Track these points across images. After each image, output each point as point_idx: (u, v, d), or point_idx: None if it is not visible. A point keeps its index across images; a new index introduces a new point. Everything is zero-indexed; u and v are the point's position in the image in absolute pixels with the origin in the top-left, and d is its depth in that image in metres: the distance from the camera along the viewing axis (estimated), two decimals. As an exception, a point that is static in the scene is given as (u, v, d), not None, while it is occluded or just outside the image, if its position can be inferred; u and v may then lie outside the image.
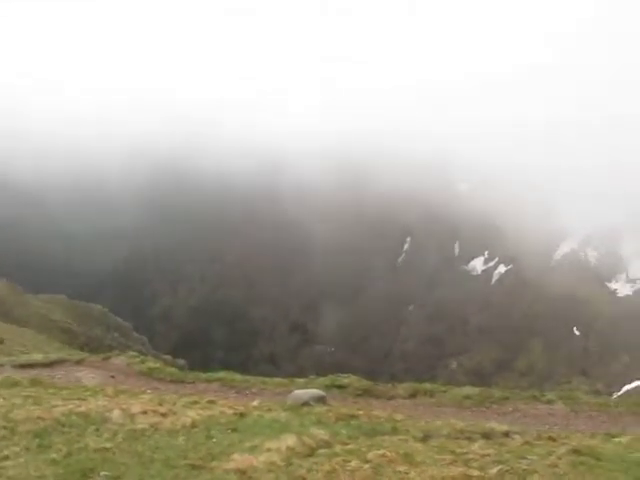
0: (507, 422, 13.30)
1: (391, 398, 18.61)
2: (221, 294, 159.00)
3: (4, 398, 11.39)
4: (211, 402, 13.21)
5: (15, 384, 13.49)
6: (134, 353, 22.36)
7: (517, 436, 10.99)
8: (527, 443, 10.33)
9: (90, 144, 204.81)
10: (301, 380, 20.20)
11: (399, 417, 13.51)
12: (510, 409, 15.82)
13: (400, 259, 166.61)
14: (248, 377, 20.21)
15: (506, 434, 11.19)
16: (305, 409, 13.47)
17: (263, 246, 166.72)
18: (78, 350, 55.06)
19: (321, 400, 16.02)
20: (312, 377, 20.66)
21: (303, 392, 16.91)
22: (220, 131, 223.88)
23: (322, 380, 19.84)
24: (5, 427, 8.97)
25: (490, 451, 9.28)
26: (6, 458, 7.64)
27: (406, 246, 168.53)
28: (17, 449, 8.01)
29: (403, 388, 19.09)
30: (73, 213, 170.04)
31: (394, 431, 11.10)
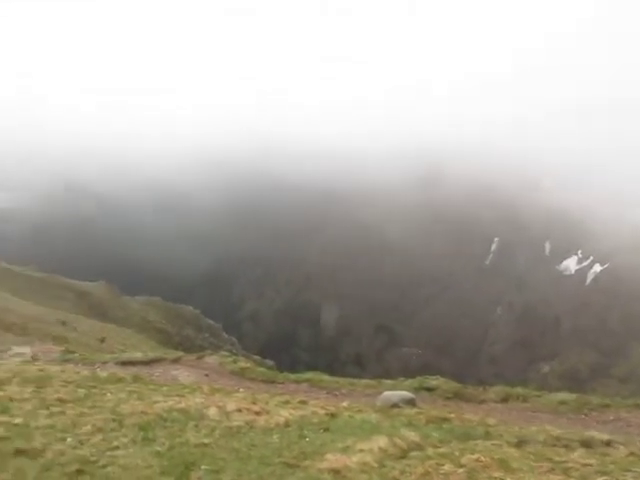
0: (608, 431, 12.62)
1: (482, 402, 18.20)
2: (306, 296, 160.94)
3: (111, 393, 12.12)
4: (302, 402, 13.45)
5: (119, 380, 14.30)
6: (226, 353, 23.09)
7: (621, 446, 10.41)
8: (632, 454, 9.75)
9: (174, 155, 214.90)
10: (389, 382, 20.13)
11: (492, 422, 13.21)
12: (611, 417, 14.97)
13: (487, 260, 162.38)
14: (337, 378, 20.38)
15: (608, 444, 10.63)
16: (395, 411, 13.46)
17: (345, 247, 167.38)
18: (173, 349, 57.18)
19: (410, 402, 15.92)
20: (400, 379, 20.53)
21: (392, 394, 16.87)
22: (295, 135, 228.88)
23: (411, 382, 19.69)
24: (114, 420, 9.56)
25: (592, 461, 8.88)
26: (116, 448, 8.15)
27: (493, 247, 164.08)
28: (125, 440, 8.52)
29: (494, 392, 18.61)
30: (167, 220, 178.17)
31: (487, 436, 10.88)
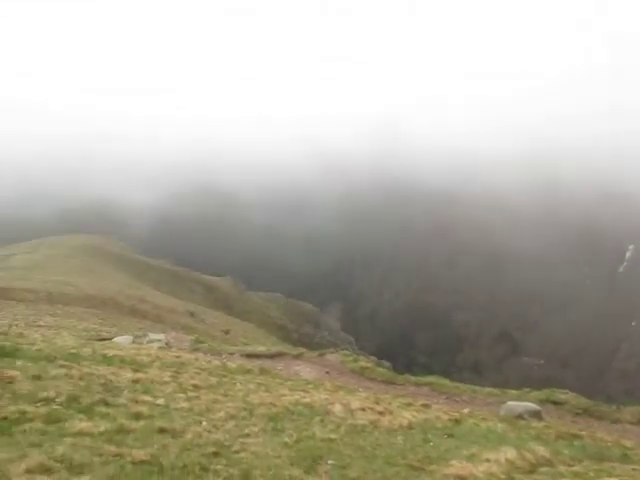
0: None
1: (616, 421, 17.07)
2: (426, 299, 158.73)
3: (240, 383, 12.71)
4: (425, 406, 13.32)
5: (248, 371, 14.94)
6: (347, 352, 23.32)
7: None
8: None
9: (296, 158, 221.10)
10: (514, 392, 19.44)
11: (629, 444, 12.35)
12: None
13: (621, 269, 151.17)
14: (458, 384, 19.99)
15: None
16: (522, 422, 12.94)
17: (468, 251, 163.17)
18: (291, 345, 58.69)
19: (536, 415, 15.26)
20: (525, 390, 19.75)
21: (517, 404, 16.26)
22: (416, 134, 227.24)
23: (537, 394, 18.90)
24: (245, 409, 10.01)
25: None
26: (247, 436, 8.51)
27: (628, 254, 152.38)
28: (255, 429, 8.88)
29: (630, 412, 17.39)
30: (289, 218, 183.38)
31: (625, 459, 10.17)
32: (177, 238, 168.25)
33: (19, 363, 10.75)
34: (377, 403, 12.08)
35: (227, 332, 55.77)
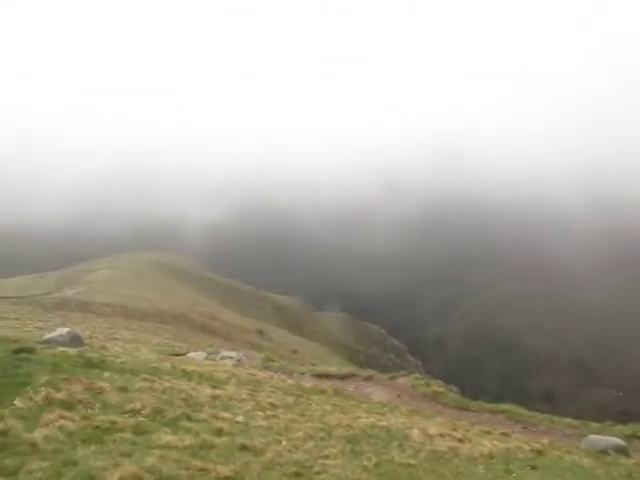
0: None
1: None
2: (495, 322, 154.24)
3: (316, 403, 12.71)
4: (504, 434, 12.90)
5: (322, 392, 14.93)
6: (418, 375, 22.95)
7: None
8: None
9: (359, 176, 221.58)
10: (595, 425, 18.53)
11: None
12: None
13: None
14: (535, 413, 19.26)
15: None
16: (609, 458, 12.29)
17: (537, 274, 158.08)
18: (358, 366, 58.29)
19: (622, 451, 14.44)
20: (609, 423, 18.80)
21: (600, 438, 15.47)
22: (478, 161, 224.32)
23: (621, 428, 17.95)
24: (323, 429, 9.99)
25: None
26: (327, 457, 8.48)
27: None
28: (334, 451, 8.84)
29: None
30: (355, 238, 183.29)
31: None
32: (241, 255, 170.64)
33: (106, 375, 11.17)
34: (455, 430, 11.79)
35: (295, 351, 56.10)
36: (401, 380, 21.95)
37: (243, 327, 60.53)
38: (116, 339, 30.31)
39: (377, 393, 19.92)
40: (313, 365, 39.00)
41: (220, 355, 24.65)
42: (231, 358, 24.37)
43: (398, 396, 19.98)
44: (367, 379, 22.21)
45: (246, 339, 52.41)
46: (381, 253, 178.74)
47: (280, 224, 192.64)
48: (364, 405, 14.07)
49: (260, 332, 61.51)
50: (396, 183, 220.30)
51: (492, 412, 18.93)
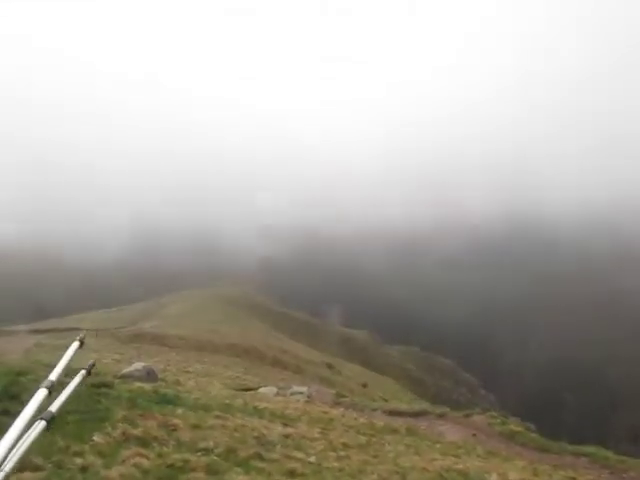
0: None
1: None
2: (572, 353, 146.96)
3: (389, 443, 12.37)
4: (591, 482, 12.10)
5: (394, 431, 14.54)
6: (494, 413, 22.03)
7: None
8: None
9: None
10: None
11: None
12: None
13: None
14: (623, 457, 18.01)
15: None
16: None
17: (621, 299, 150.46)
18: (428, 401, 56.93)
19: None
20: None
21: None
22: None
23: None
24: (397, 472, 9.67)
25: None
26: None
27: None
28: (411, 497, 8.53)
29: None
30: (420, 267, 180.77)
31: None
32: (304, 288, 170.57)
33: (179, 411, 11.30)
34: (536, 475, 11.16)
35: (365, 385, 55.38)
36: (476, 418, 21.11)
37: (312, 360, 60.36)
38: (189, 372, 30.82)
39: (451, 432, 19.22)
40: (384, 400, 38.32)
41: (291, 390, 24.58)
42: (301, 393, 24.25)
43: (473, 435, 19.18)
44: (440, 416, 21.51)
45: (316, 373, 52.18)
46: (449, 284, 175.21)
47: (340, 256, 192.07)
48: (438, 445, 13.58)
49: (329, 366, 61.14)
50: (452, 208, 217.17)
51: (575, 455, 17.81)
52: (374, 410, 21.69)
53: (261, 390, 23.81)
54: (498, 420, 20.55)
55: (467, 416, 21.42)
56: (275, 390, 24.39)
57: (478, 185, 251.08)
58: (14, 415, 7.73)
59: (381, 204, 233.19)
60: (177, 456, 8.60)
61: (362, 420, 15.70)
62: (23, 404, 8.12)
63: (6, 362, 16.14)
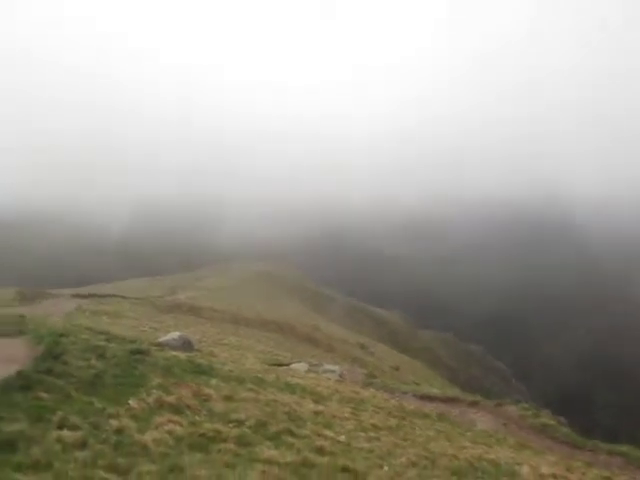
0: None
1: None
2: (610, 347, 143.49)
3: (419, 428, 12.31)
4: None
5: (426, 416, 14.46)
6: (527, 405, 21.68)
7: None
8: None
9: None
10: None
11: None
12: None
13: None
14: (661, 458, 17.53)
15: None
16: None
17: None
18: (458, 388, 56.55)
19: None
20: None
21: None
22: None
23: None
24: (426, 457, 9.61)
25: None
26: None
27: None
28: (439, 482, 8.46)
29: None
30: (460, 254, 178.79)
31: None
32: (339, 269, 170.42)
33: (213, 382, 11.45)
34: (569, 471, 10.94)
35: (397, 368, 55.17)
36: (508, 408, 20.81)
37: (345, 340, 60.49)
38: (223, 344, 31.22)
39: (482, 420, 19.03)
40: (416, 384, 38.19)
41: (323, 368, 24.67)
42: (333, 372, 24.32)
43: (504, 425, 18.97)
44: (472, 405, 21.28)
45: (348, 352, 52.26)
46: (484, 271, 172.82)
47: (378, 241, 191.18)
48: (469, 434, 13.44)
49: (362, 346, 61.16)
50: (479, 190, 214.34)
51: (609, 453, 17.41)
52: (405, 393, 21.59)
53: (293, 366, 23.95)
54: (530, 412, 20.22)
55: (499, 405, 21.16)
56: (307, 367, 24.50)
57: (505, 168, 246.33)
58: (58, 374, 7.94)
59: (407, 188, 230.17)
60: (209, 426, 8.72)
61: (393, 402, 15.66)
62: (66, 364, 8.33)
63: (49, 324, 16.65)
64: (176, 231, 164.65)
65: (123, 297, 47.55)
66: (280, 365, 23.62)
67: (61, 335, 12.43)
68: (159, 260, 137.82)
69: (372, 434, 10.51)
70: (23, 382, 8.94)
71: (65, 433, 7.41)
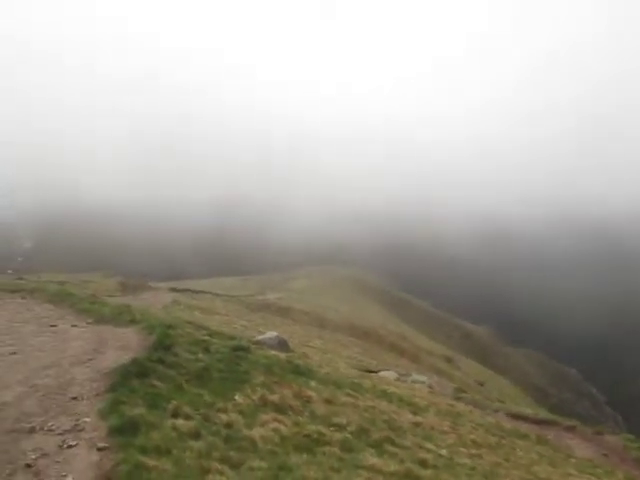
0: None
1: None
2: None
3: (520, 449, 11.83)
4: None
5: (524, 436, 13.88)
6: (631, 436, 20.37)
7: None
8: None
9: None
10: None
11: None
12: None
13: None
14: None
15: None
16: None
17: None
18: (547, 411, 54.17)
19: None
20: None
21: None
22: None
23: None
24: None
25: None
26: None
27: None
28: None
29: None
30: (553, 267, 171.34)
31: None
32: (430, 279, 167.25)
33: (312, 384, 11.55)
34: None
35: (482, 384, 53.70)
36: (609, 438, 19.65)
37: (431, 351, 59.48)
38: (310, 347, 31.51)
39: (579, 447, 18.06)
40: (500, 402, 36.91)
41: (411, 378, 24.39)
42: (422, 383, 23.99)
43: (604, 455, 17.93)
44: (568, 429, 20.27)
45: (433, 364, 51.34)
46: (585, 290, 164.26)
47: (464, 247, 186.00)
48: (573, 460, 12.80)
49: (447, 359, 59.94)
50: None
51: None
52: (496, 411, 20.92)
53: (381, 374, 23.80)
54: (636, 445, 18.98)
55: (598, 433, 20.04)
56: (395, 375, 24.28)
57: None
58: (169, 364, 8.28)
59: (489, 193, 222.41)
60: (312, 427, 8.80)
61: (489, 419, 15.18)
62: (176, 355, 8.67)
63: (154, 315, 17.43)
64: (262, 231, 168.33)
65: (216, 294, 49.08)
66: (369, 372, 23.53)
67: (169, 327, 12.96)
68: (247, 260, 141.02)
69: (473, 451, 10.22)
70: (139, 369, 9.39)
71: (180, 422, 7.71)
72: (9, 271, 48.32)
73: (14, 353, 10.79)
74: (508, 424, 15.63)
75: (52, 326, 13.95)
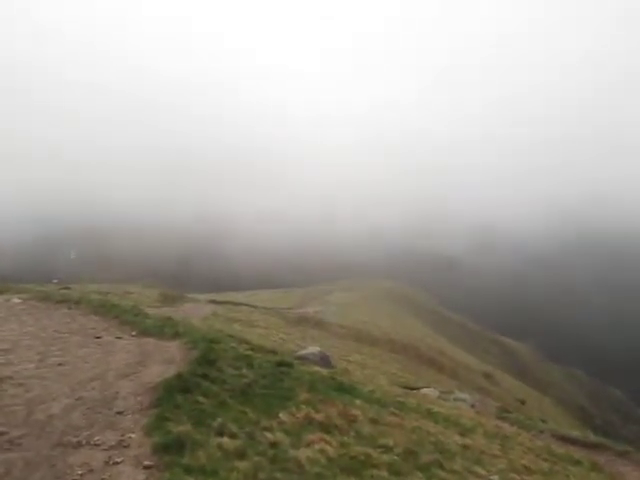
0: None
1: None
2: None
3: (574, 476, 11.30)
4: None
5: (577, 463, 13.29)
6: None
7: None
8: None
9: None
10: None
11: None
12: None
13: None
14: None
15: None
16: None
17: None
18: (591, 432, 52.40)
19: None
20: None
21: None
22: None
23: None
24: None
25: None
26: None
27: None
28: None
29: None
30: (598, 285, 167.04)
31: None
32: (471, 293, 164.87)
33: (357, 402, 11.29)
34: None
35: (523, 402, 52.23)
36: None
37: (470, 367, 58.34)
38: (349, 361, 31.19)
39: (633, 475, 17.27)
40: (542, 421, 35.80)
41: (454, 396, 23.83)
42: (464, 401, 23.39)
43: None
44: (621, 455, 19.36)
45: (472, 380, 50.31)
46: (627, 306, 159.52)
47: (522, 265, 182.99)
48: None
49: (487, 376, 58.66)
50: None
51: None
52: (541, 432, 20.19)
53: (423, 391, 23.32)
54: (697, 474, 18.02)
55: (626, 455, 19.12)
56: (437, 393, 23.76)
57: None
58: (212, 380, 8.16)
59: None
60: (359, 449, 8.56)
61: (539, 443, 14.62)
62: (220, 371, 8.55)
63: (197, 328, 17.44)
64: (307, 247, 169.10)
65: (254, 307, 49.15)
66: (411, 389, 23.08)
67: (212, 341, 12.90)
68: (286, 274, 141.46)
69: (526, 477, 9.79)
70: (183, 384, 9.31)
71: (225, 440, 7.58)
72: (54, 280, 49.39)
73: (61, 364, 10.87)
74: (558, 448, 15.01)
75: (97, 337, 14.06)
